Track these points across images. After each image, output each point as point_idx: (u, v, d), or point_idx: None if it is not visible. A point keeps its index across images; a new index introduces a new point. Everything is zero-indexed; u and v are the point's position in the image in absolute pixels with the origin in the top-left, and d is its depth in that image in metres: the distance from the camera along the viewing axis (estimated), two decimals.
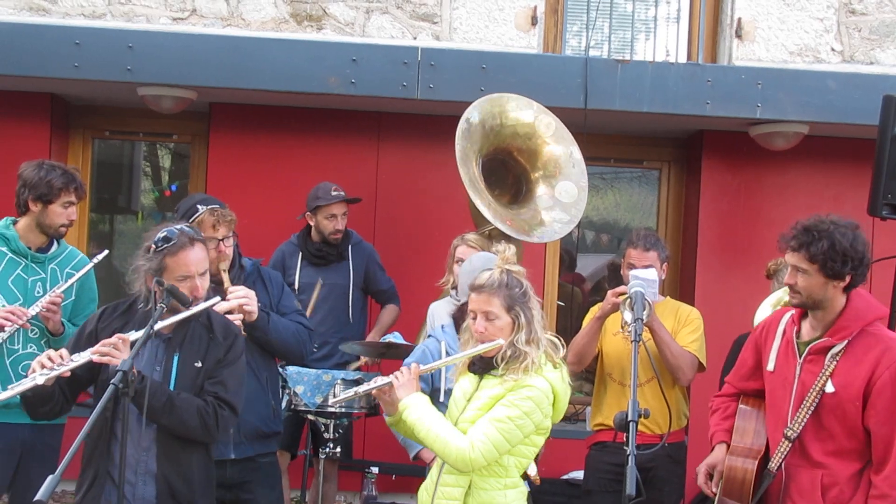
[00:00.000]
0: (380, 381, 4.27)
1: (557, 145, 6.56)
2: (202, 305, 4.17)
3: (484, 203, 6.12)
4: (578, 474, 6.58)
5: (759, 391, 4.52)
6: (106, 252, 5.31)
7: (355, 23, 8.11)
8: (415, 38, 8.06)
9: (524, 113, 6.54)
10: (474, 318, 4.24)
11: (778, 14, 8.28)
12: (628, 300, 4.75)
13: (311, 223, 6.90)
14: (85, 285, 5.38)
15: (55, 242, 5.33)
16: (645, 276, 5.42)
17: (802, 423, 4.13)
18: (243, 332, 4.77)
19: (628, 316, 4.76)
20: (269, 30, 8.02)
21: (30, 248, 5.20)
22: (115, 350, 3.90)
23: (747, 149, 8.02)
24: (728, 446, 4.50)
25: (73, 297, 5.29)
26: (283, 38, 7.81)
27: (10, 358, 5.04)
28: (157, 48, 7.32)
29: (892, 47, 8.31)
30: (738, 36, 8.28)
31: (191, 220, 4.90)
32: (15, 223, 5.23)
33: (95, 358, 3.91)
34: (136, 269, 4.24)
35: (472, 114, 6.33)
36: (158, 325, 4.00)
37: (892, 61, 8.28)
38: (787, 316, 4.37)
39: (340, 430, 5.95)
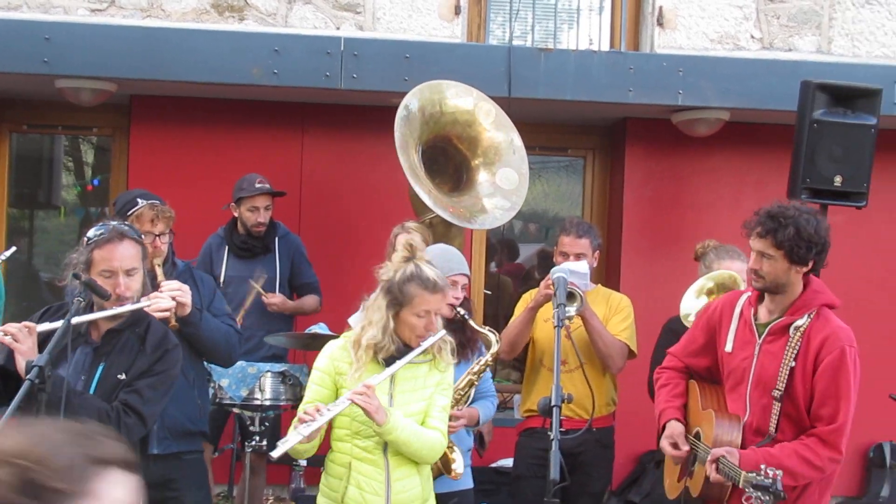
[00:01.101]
0: (335, 408, 4.18)
1: (498, 132, 6.57)
2: (128, 307, 4.01)
3: (425, 191, 6.10)
4: (508, 462, 6.60)
5: (707, 368, 4.58)
6: (13, 249, 5.18)
7: (277, 13, 8.03)
8: (338, 29, 8.00)
9: (464, 100, 6.53)
10: (422, 316, 4.26)
11: (699, 2, 8.35)
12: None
13: (236, 214, 6.84)
14: None
15: None
16: (576, 268, 5.47)
17: (784, 381, 4.18)
18: (173, 324, 4.71)
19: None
20: (189, 21, 7.91)
21: None
22: (20, 334, 3.76)
23: (670, 136, 8.08)
24: (680, 422, 4.53)
25: None
26: (204, 28, 7.72)
27: None
28: (75, 40, 7.20)
29: (809, 34, 8.41)
30: (660, 24, 8.33)
31: (129, 214, 4.84)
32: None
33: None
34: (66, 264, 4.10)
35: (411, 100, 6.29)
36: (76, 320, 3.88)
37: (809, 48, 8.39)
38: (744, 298, 4.44)
39: (267, 423, 5.91)
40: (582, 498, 5.78)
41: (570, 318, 5.33)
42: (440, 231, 6.12)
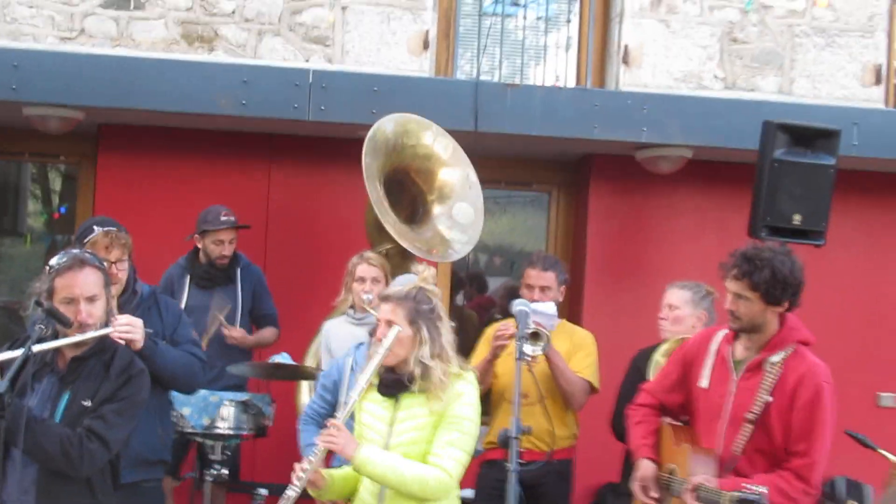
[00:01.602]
0: (314, 460, 4.13)
1: (454, 168, 6.61)
2: (90, 334, 3.97)
3: (389, 222, 6.13)
4: (469, 493, 6.58)
5: (680, 405, 4.58)
6: None
7: (247, 44, 8.04)
8: (307, 61, 8.01)
9: (424, 134, 6.59)
10: (374, 331, 4.31)
11: (663, 41, 8.42)
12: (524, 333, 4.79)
13: (199, 245, 6.82)
14: None
15: None
16: (543, 309, 5.50)
17: (762, 406, 4.21)
18: None
19: (528, 348, 4.81)
20: (159, 50, 7.90)
21: None
22: None
23: (633, 172, 8.12)
24: (653, 461, 4.53)
25: None
26: (174, 58, 7.69)
27: None
28: (43, 67, 7.16)
29: (771, 75, 8.51)
30: (625, 62, 8.39)
31: (84, 241, 4.81)
32: None
33: None
34: (29, 293, 4.08)
35: (377, 131, 6.33)
36: (37, 348, 3.85)
37: (771, 88, 8.48)
38: (720, 335, 4.47)
39: (228, 452, 5.88)
40: None
41: (534, 359, 5.38)
42: (396, 262, 6.15)
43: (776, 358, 4.24)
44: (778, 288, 4.17)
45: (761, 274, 4.16)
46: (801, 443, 4.17)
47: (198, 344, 5.27)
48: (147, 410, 4.85)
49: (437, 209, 6.58)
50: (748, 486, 3.92)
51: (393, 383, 4.22)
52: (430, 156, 6.56)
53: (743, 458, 4.25)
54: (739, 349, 4.36)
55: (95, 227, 4.88)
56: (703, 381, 4.41)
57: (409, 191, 6.57)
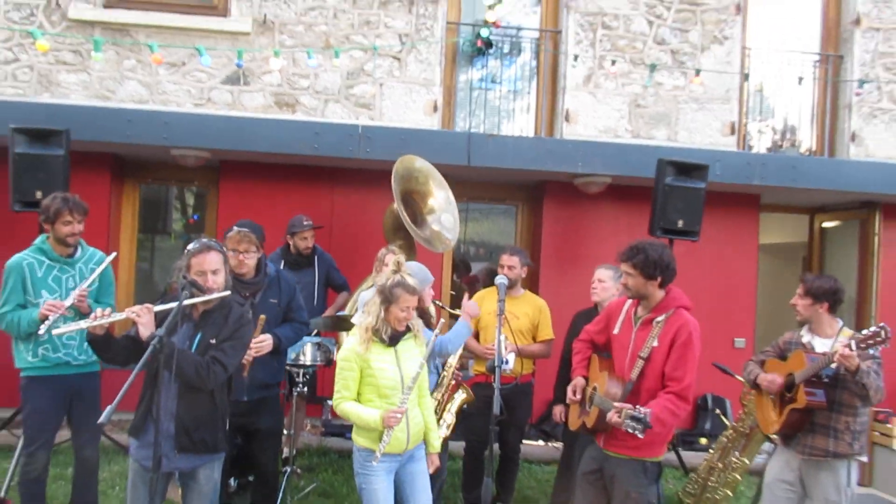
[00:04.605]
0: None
1: (440, 190, 6.63)
2: (215, 295, 4.01)
3: (410, 227, 6.19)
4: None
5: (603, 343, 4.55)
6: (115, 254, 5.05)
7: (317, 108, 8.07)
8: (357, 119, 8.04)
9: (420, 167, 6.61)
10: (404, 311, 4.19)
11: (592, 106, 8.45)
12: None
13: (290, 242, 6.84)
14: (105, 275, 5.10)
15: (79, 249, 5.07)
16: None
17: (650, 349, 4.17)
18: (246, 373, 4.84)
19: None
20: (259, 112, 7.94)
21: (61, 256, 4.95)
22: (142, 312, 3.82)
23: (573, 193, 8.15)
24: (585, 379, 4.53)
25: (97, 285, 5.04)
26: (269, 118, 7.73)
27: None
28: (184, 124, 7.22)
29: (663, 128, 8.53)
30: (567, 120, 8.41)
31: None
32: (48, 238, 5.00)
33: (127, 313, 3.82)
34: (174, 268, 4.11)
35: (398, 166, 6.37)
36: (186, 302, 3.88)
37: (663, 137, 8.50)
38: (630, 301, 4.43)
39: (307, 376, 5.90)
40: (511, 428, 5.82)
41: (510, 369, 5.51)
42: (404, 252, 6.19)
43: (660, 318, 4.19)
44: (650, 266, 4.13)
45: (638, 257, 4.15)
46: (677, 371, 4.10)
47: (304, 309, 5.28)
48: (269, 355, 4.92)
49: (430, 217, 6.61)
50: (639, 407, 3.93)
51: (397, 336, 4.24)
52: (425, 182, 6.60)
53: (637, 383, 4.19)
54: (640, 310, 4.33)
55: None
56: (616, 330, 4.40)
57: (411, 206, 6.59)
